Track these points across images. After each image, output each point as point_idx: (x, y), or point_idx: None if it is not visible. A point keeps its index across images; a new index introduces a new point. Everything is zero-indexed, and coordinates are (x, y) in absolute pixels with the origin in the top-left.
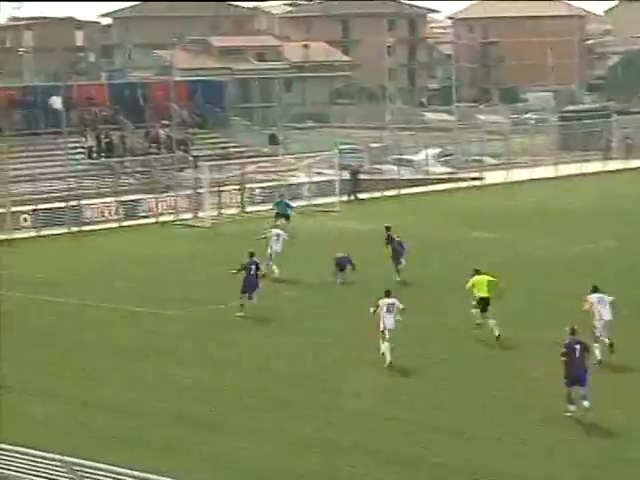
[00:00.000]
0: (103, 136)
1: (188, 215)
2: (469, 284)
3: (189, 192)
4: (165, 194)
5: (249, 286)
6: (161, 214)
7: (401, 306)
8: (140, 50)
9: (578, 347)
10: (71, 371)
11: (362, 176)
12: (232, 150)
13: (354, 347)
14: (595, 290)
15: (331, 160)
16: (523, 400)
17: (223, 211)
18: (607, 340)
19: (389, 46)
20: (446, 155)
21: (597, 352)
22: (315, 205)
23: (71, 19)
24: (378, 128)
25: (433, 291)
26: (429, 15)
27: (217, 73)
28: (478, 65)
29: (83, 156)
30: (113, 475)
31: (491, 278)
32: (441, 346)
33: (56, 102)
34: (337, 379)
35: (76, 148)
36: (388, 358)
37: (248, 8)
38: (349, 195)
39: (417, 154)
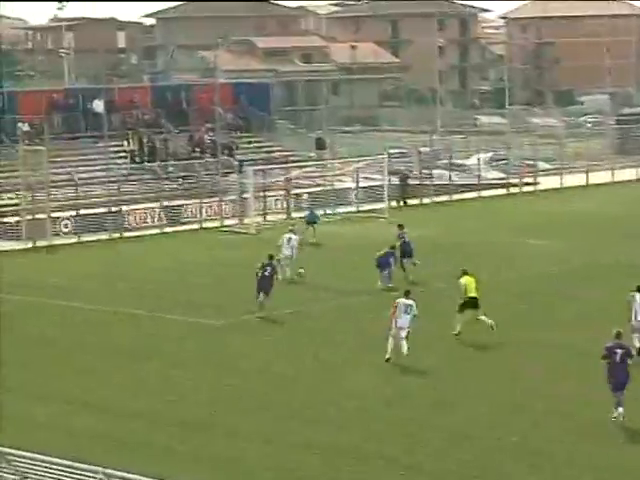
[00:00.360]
0: (145, 140)
1: (233, 221)
2: (462, 285)
3: (233, 197)
4: (209, 199)
5: (261, 287)
6: (205, 220)
7: (416, 311)
8: (183, 51)
9: (619, 352)
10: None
11: (411, 181)
12: (277, 154)
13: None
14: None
15: (380, 165)
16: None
17: (268, 217)
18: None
19: (440, 47)
20: (498, 160)
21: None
22: (362, 211)
23: (113, 20)
24: (428, 132)
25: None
26: (480, 15)
27: (262, 75)
28: (531, 66)
29: (125, 160)
30: None
31: (475, 279)
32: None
33: (98, 105)
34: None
35: (118, 152)
36: (388, 352)
37: (293, 8)
38: (398, 201)
39: (469, 159)
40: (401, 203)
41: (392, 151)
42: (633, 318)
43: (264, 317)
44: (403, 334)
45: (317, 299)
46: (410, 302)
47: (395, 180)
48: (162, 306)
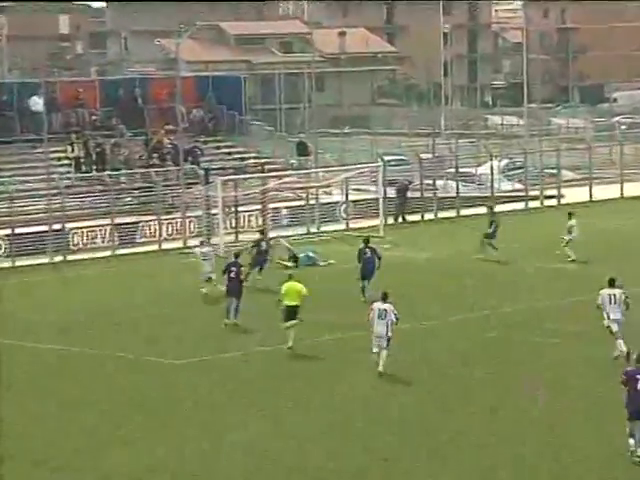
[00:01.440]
0: (93, 145)
1: (198, 241)
2: (282, 291)
3: (199, 213)
4: (169, 216)
5: (230, 291)
6: (165, 240)
7: (393, 317)
8: (139, 39)
9: None
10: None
11: (411, 194)
12: (252, 162)
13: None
14: (611, 284)
15: (373, 174)
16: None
17: (241, 236)
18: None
19: (444, 34)
20: (515, 168)
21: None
22: (353, 229)
23: (55, 2)
24: (431, 135)
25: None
26: None
27: (233, 67)
28: (553, 57)
29: (69, 169)
30: None
31: (300, 286)
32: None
33: (36, 103)
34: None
35: (60, 159)
36: (379, 365)
37: None
38: (396, 217)
39: (479, 167)
40: (399, 219)
41: (388, 158)
42: (606, 318)
43: (236, 325)
44: (383, 343)
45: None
46: (386, 306)
47: (392, 192)
48: (113, 342)
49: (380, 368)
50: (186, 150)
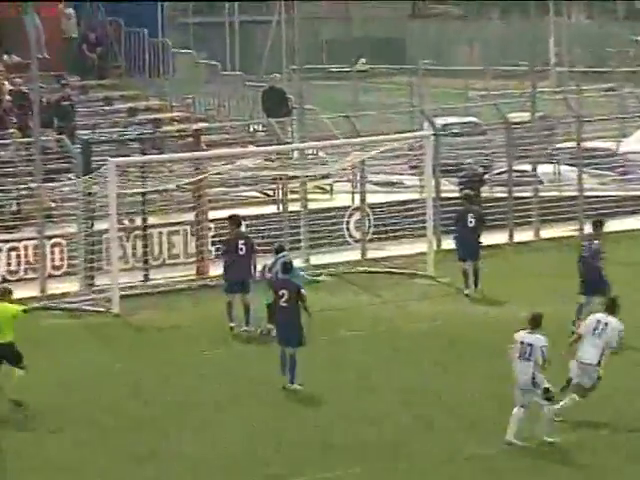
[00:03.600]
0: None
1: (69, 287)
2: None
3: (72, 230)
4: (9, 236)
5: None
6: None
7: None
8: None
9: None
10: None
11: (489, 190)
12: (176, 128)
13: None
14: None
15: (414, 154)
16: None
17: (157, 274)
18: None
19: None
20: None
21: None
22: (376, 260)
23: None
24: (528, 75)
25: None
26: None
27: None
28: None
29: None
30: None
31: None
32: None
33: None
34: None
35: None
36: None
37: None
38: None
39: (623, 140)
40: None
41: (444, 122)
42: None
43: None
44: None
45: None
46: (532, 339)
47: (454, 187)
48: None
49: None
50: (48, 104)
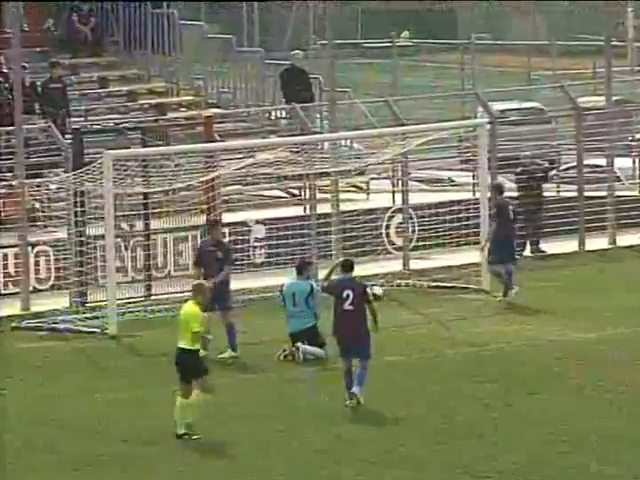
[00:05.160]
0: None
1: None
2: None
3: (60, 235)
4: None
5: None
6: None
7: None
8: None
9: None
10: None
11: (556, 188)
12: (183, 114)
13: None
14: None
15: (470, 143)
16: None
17: (160, 288)
18: None
19: None
20: None
21: None
22: (420, 271)
23: None
24: (603, 52)
25: None
26: None
27: None
28: None
29: None
30: None
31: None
32: None
33: None
34: None
35: None
36: None
37: None
38: (523, 244)
39: None
40: (529, 248)
41: (502, 107)
42: None
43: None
44: None
45: None
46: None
47: (511, 185)
48: None
49: None
50: (32, 87)
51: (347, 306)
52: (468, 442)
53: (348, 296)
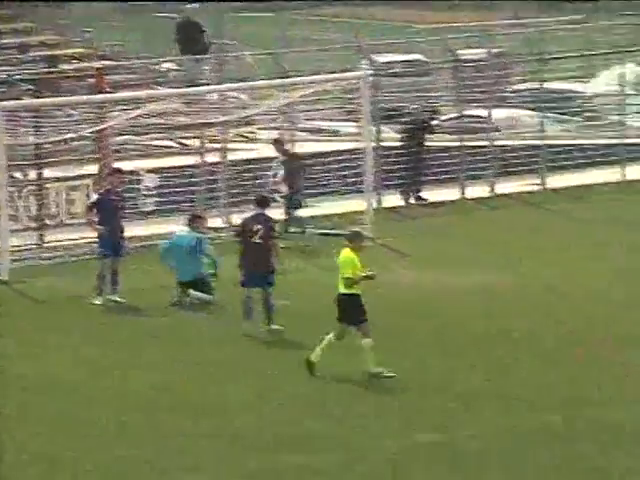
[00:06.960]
0: None
1: None
2: None
3: None
4: None
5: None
6: None
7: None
8: None
9: None
10: None
11: (437, 138)
12: (70, 66)
13: None
14: None
15: (353, 94)
16: None
17: (53, 235)
18: None
19: None
20: None
21: None
22: (304, 221)
23: None
24: None
25: None
26: None
27: None
28: None
29: None
30: None
31: None
32: None
33: None
34: None
35: None
36: None
37: None
38: (406, 192)
39: (590, 80)
40: (410, 196)
41: (385, 59)
42: None
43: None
44: None
45: None
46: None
47: (395, 135)
48: None
49: None
50: None
51: (257, 239)
52: None
53: (258, 230)
